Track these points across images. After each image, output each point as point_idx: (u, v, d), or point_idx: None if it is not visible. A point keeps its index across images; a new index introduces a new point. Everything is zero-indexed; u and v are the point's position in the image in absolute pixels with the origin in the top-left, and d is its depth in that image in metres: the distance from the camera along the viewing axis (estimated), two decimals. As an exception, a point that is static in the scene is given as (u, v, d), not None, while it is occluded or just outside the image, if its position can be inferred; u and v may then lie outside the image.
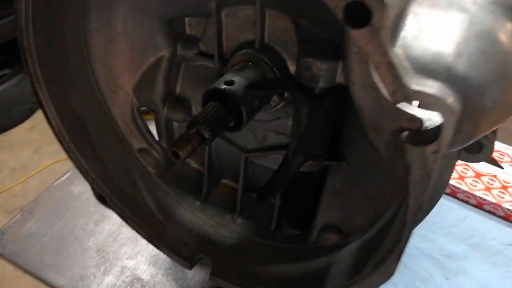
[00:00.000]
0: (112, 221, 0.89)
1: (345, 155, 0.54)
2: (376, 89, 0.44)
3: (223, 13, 0.56)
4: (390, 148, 0.47)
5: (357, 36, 0.28)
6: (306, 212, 0.62)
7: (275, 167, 0.65)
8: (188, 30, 0.62)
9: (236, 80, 0.52)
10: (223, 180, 0.74)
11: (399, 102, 0.30)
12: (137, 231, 0.66)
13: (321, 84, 0.46)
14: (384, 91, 0.43)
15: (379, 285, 0.44)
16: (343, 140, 0.54)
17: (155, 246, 0.66)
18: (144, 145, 0.69)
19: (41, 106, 0.58)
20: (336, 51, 0.46)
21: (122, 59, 0.62)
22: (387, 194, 0.50)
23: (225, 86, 0.51)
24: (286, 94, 0.55)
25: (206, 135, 0.47)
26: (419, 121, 0.44)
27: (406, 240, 0.38)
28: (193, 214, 0.70)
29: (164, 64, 0.63)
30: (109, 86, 0.65)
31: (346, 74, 0.45)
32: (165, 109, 0.65)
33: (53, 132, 0.60)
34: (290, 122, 0.60)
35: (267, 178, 0.67)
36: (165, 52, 0.62)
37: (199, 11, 0.57)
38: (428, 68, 0.29)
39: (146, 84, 0.64)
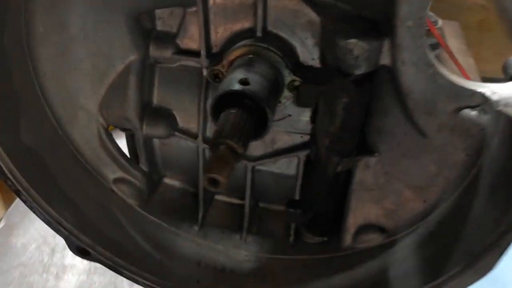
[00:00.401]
0: (78, 269, 0.74)
1: (377, 146, 0.48)
2: (431, 66, 0.38)
3: (210, 0, 0.46)
4: (444, 131, 0.42)
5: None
6: (331, 215, 0.55)
7: (284, 171, 0.58)
8: (159, 26, 0.50)
9: (250, 78, 0.43)
10: (217, 197, 0.63)
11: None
12: (137, 282, 0.53)
13: (364, 68, 0.39)
14: (446, 71, 0.38)
15: (471, 284, 0.39)
16: (372, 130, 0.48)
17: (164, 292, 0.54)
18: (120, 174, 0.56)
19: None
20: (375, 29, 0.39)
21: (81, 70, 0.49)
22: (441, 181, 0.45)
23: (242, 87, 0.41)
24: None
25: (239, 150, 0.38)
26: (481, 96, 0.39)
27: (518, 232, 0.34)
28: (194, 243, 0.59)
29: (135, 71, 0.50)
30: (65, 108, 0.51)
31: (394, 53, 0.38)
32: (144, 126, 0.53)
33: (5, 180, 0.45)
34: (303, 118, 0.52)
35: (275, 185, 0.59)
36: (135, 56, 0.50)
37: (179, 0, 0.46)
38: None
39: (116, 99, 0.51)
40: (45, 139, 0.49)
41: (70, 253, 0.73)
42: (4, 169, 0.44)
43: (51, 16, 0.43)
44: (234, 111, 0.41)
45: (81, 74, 0.49)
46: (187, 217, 0.60)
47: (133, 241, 0.55)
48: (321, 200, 0.50)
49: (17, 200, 0.80)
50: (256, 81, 0.43)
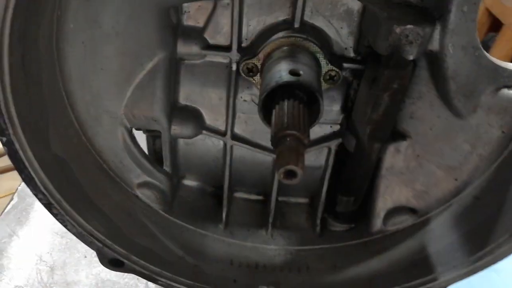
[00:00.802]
0: (83, 285, 0.68)
1: (408, 131, 0.50)
2: (478, 48, 0.41)
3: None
4: (481, 111, 0.45)
5: None
6: (357, 201, 0.56)
7: (311, 163, 0.58)
8: (185, 20, 0.48)
9: (300, 69, 0.43)
10: (236, 194, 0.62)
11: None
12: (173, 288, 0.51)
13: (415, 54, 0.41)
14: (484, 52, 0.41)
15: (517, 251, 0.42)
16: (403, 115, 0.50)
17: (203, 296, 0.52)
18: (144, 178, 0.53)
19: (15, 160, 0.38)
20: (427, 15, 0.40)
21: (108, 71, 0.45)
22: (474, 159, 0.48)
23: (296, 78, 0.41)
24: (337, 76, 0.48)
25: (306, 140, 0.38)
26: (519, 75, 0.42)
27: None
28: (223, 243, 0.57)
29: (163, 69, 0.48)
30: (89, 112, 0.47)
31: (445, 38, 0.40)
32: (172, 126, 0.51)
33: (36, 193, 0.41)
34: (334, 108, 0.53)
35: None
36: (164, 53, 0.47)
37: (213, -9, 0.45)
38: None
39: (143, 99, 0.48)
40: (71, 147, 0.45)
41: (73, 269, 0.69)
42: (37, 181, 0.40)
43: (84, 11, 0.40)
44: (289, 102, 0.40)
45: (108, 75, 0.45)
46: (211, 217, 0.59)
47: (164, 246, 0.52)
48: (362, 186, 0.51)
49: (2, 218, 0.73)
50: (305, 71, 0.43)
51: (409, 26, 0.39)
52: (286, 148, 0.37)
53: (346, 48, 0.48)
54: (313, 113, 0.43)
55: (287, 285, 0.54)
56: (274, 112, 0.41)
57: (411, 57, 0.40)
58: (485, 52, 0.41)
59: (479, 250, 0.44)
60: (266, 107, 0.43)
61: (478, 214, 0.47)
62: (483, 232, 0.45)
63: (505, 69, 0.42)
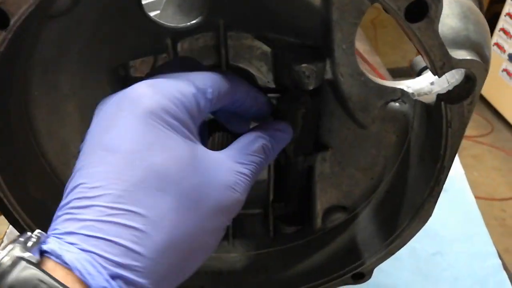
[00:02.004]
0: None
1: (329, 143, 0.60)
2: (363, 74, 0.52)
3: (179, 46, 0.55)
4: (377, 121, 0.56)
5: (415, 28, 0.34)
6: (302, 206, 0.66)
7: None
8: (132, 73, 0.58)
9: None
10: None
11: (445, 73, 0.37)
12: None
13: (314, 84, 0.51)
14: (372, 76, 0.51)
15: (419, 230, 0.52)
16: (323, 130, 0.60)
17: (173, 304, 0.60)
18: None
19: (1, 206, 0.47)
20: (319, 53, 0.51)
21: (72, 124, 0.55)
22: (381, 160, 0.58)
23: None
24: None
25: None
26: (400, 91, 0.53)
27: (443, 183, 0.47)
28: (189, 257, 0.66)
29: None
30: (59, 159, 0.56)
31: (335, 69, 0.51)
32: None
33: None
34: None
35: (250, 191, 0.69)
36: (116, 102, 0.57)
37: (152, 50, 0.55)
38: (456, 41, 0.37)
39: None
40: (48, 190, 0.54)
41: None
42: (22, 223, 0.49)
43: (45, 80, 0.49)
44: (218, 134, 0.50)
45: (72, 127, 0.54)
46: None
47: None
48: (295, 193, 0.61)
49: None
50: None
51: (304, 65, 0.49)
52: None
53: (268, 82, 0.58)
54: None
55: (247, 286, 0.63)
56: (208, 142, 0.51)
57: (311, 87, 0.51)
58: (370, 76, 0.52)
59: (391, 235, 0.54)
60: (207, 134, 0.52)
61: (389, 205, 0.57)
62: (393, 220, 0.55)
63: (388, 87, 0.52)
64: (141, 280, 0.29)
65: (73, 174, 0.34)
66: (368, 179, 0.60)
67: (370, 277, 0.58)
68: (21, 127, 0.50)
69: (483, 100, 3.26)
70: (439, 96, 0.43)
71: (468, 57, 0.36)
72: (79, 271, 0.27)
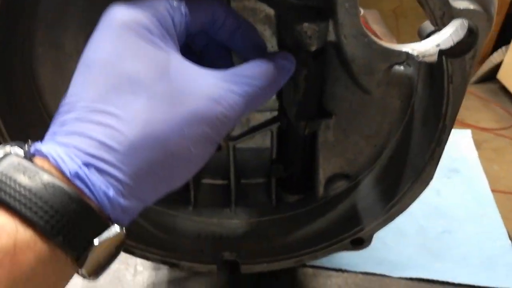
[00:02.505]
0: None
1: (333, 109, 0.60)
2: (366, 36, 0.51)
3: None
4: (381, 85, 0.55)
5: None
6: (304, 175, 0.66)
7: (260, 145, 0.68)
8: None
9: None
10: (203, 180, 0.72)
11: (445, 24, 0.36)
12: (147, 258, 0.60)
13: (316, 45, 0.50)
14: (373, 37, 0.50)
15: (420, 194, 0.51)
16: (327, 96, 0.59)
17: (173, 265, 0.61)
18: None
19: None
20: (321, 13, 0.50)
21: (76, 81, 0.55)
22: (386, 126, 0.57)
23: None
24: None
25: None
26: (404, 53, 0.52)
27: (445, 144, 0.46)
28: (192, 221, 0.67)
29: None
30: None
31: (338, 30, 0.50)
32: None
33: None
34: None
35: (254, 159, 0.69)
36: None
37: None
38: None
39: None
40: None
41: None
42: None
43: (48, 37, 0.50)
44: None
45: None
46: (182, 200, 0.68)
47: (138, 226, 0.62)
48: (297, 159, 0.61)
49: None
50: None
51: (305, 24, 0.49)
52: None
53: (272, 46, 0.58)
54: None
55: (247, 250, 0.63)
56: None
57: (313, 49, 0.50)
58: (374, 38, 0.51)
59: (391, 201, 0.53)
60: None
61: (391, 171, 0.56)
62: (394, 186, 0.54)
63: (393, 50, 0.51)
64: (114, 171, 0.31)
65: None
66: (372, 147, 0.59)
67: (369, 243, 0.58)
68: (26, 84, 0.52)
69: (505, 91, 3.17)
70: (441, 52, 0.41)
71: (471, 7, 0.35)
72: (54, 159, 0.31)
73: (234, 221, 0.67)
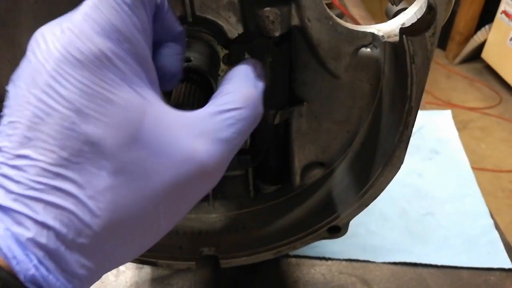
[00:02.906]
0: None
1: (304, 96, 0.58)
2: (330, 18, 0.49)
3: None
4: (350, 69, 0.54)
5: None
6: (281, 164, 0.65)
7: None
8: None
9: (192, 56, 0.51)
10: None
11: (401, 1, 0.35)
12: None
13: (280, 30, 0.49)
14: (337, 19, 0.49)
15: (391, 179, 0.50)
16: (297, 84, 0.58)
17: (151, 263, 0.60)
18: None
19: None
20: (282, -3, 0.49)
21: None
22: (356, 111, 0.56)
23: (186, 64, 0.50)
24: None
25: None
26: (370, 35, 0.51)
27: (412, 126, 0.45)
28: (169, 218, 0.66)
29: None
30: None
31: (301, 13, 0.49)
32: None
33: None
34: (240, 86, 0.61)
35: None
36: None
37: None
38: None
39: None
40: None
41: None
42: None
43: (3, 34, 0.48)
44: (183, 84, 0.49)
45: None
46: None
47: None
48: (270, 149, 0.60)
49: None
50: (197, 58, 0.51)
51: (267, 8, 0.47)
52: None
53: (238, 33, 0.56)
54: (209, 90, 0.51)
55: (226, 244, 0.63)
56: (173, 92, 0.50)
57: (277, 34, 0.49)
58: (339, 20, 0.50)
59: (364, 187, 0.53)
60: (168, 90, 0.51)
61: (364, 157, 0.56)
62: (366, 172, 0.53)
63: (358, 32, 0.50)
64: (77, 269, 0.27)
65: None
66: (345, 132, 0.59)
67: (346, 231, 0.57)
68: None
69: (490, 70, 3.19)
70: (402, 30, 0.40)
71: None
72: (5, 255, 0.25)
73: (213, 216, 0.66)
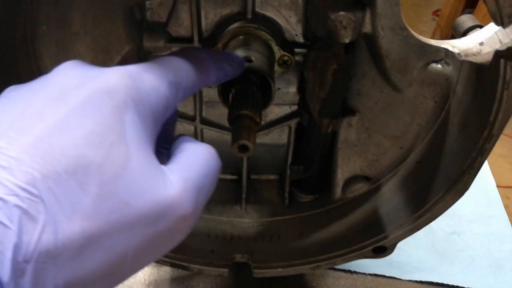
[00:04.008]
0: None
1: (357, 106, 0.56)
2: (405, 29, 0.46)
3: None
4: (415, 84, 0.51)
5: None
6: (320, 174, 0.62)
7: (276, 141, 0.64)
8: (149, 17, 0.53)
9: (252, 56, 0.48)
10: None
11: (512, 23, 0.32)
12: (157, 261, 0.56)
13: (351, 36, 0.46)
14: (412, 31, 0.46)
15: (452, 205, 0.48)
16: (352, 93, 0.55)
17: (182, 267, 0.58)
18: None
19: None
20: (358, 2, 0.46)
21: (82, 65, 0.50)
22: (414, 128, 0.53)
23: (248, 64, 0.46)
24: (290, 60, 0.53)
25: (258, 119, 0.43)
26: (444, 50, 0.48)
27: (488, 154, 0.43)
28: (201, 219, 0.63)
29: (130, 61, 0.53)
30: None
31: (375, 21, 0.46)
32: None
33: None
34: (290, 90, 0.58)
35: (268, 156, 0.65)
36: (130, 46, 0.52)
37: (171, -10, 0.49)
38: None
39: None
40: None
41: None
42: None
43: (54, 14, 0.45)
44: (242, 85, 0.46)
45: (82, 69, 0.50)
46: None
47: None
48: (317, 157, 0.57)
49: None
50: (257, 58, 0.48)
51: (341, 13, 0.44)
52: (240, 126, 0.42)
53: (296, 35, 0.53)
54: (267, 94, 0.48)
55: (260, 252, 0.60)
56: (230, 95, 0.46)
57: (347, 40, 0.46)
58: (412, 32, 0.47)
59: (419, 209, 0.50)
60: (225, 91, 0.48)
61: (419, 177, 0.53)
62: (423, 193, 0.51)
63: (431, 46, 0.47)
64: None
65: None
66: (397, 148, 0.56)
67: (392, 251, 0.55)
68: (27, 64, 0.46)
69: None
70: (498, 53, 0.38)
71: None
72: None
73: (245, 220, 0.64)
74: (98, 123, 0.28)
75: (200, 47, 0.52)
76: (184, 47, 0.43)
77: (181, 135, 0.37)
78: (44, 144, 0.26)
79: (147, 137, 0.30)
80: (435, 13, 2.53)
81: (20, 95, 0.30)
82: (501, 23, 0.33)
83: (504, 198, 2.72)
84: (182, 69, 0.35)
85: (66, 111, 0.27)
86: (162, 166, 0.31)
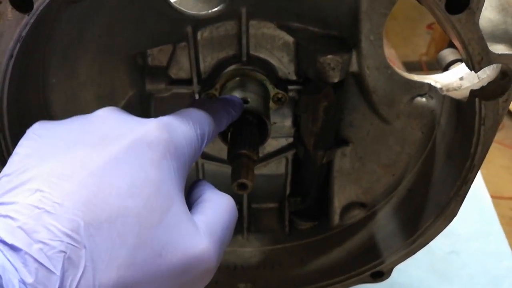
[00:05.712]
0: None
1: (350, 137, 0.59)
2: (389, 67, 0.50)
3: (199, 35, 0.53)
4: (402, 116, 0.54)
5: (455, 20, 0.32)
6: (318, 202, 0.65)
7: (274, 172, 0.67)
8: (150, 62, 0.56)
9: (248, 97, 0.51)
10: (213, 205, 0.70)
11: (482, 68, 0.35)
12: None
13: (339, 76, 0.49)
14: (399, 70, 0.50)
15: (442, 230, 0.51)
16: (344, 124, 0.58)
17: (187, 298, 0.60)
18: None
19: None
20: (344, 44, 0.49)
21: (89, 111, 0.53)
22: (404, 157, 0.56)
23: (245, 105, 0.50)
24: (284, 97, 0.56)
25: (255, 157, 0.46)
26: (427, 85, 0.51)
27: (472, 182, 0.45)
28: (204, 250, 0.65)
29: (134, 105, 0.56)
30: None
31: (361, 61, 0.49)
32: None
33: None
34: (286, 124, 0.61)
35: (266, 185, 0.68)
36: (133, 91, 0.55)
37: (172, 38, 0.53)
38: (494, 35, 0.35)
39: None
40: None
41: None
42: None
43: (63, 67, 0.48)
44: (241, 126, 0.49)
45: (89, 115, 0.53)
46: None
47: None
48: (313, 188, 0.59)
49: None
50: (253, 98, 0.51)
51: (329, 56, 0.47)
52: (238, 165, 0.45)
53: (289, 73, 0.56)
54: (263, 131, 0.51)
55: (263, 281, 0.62)
56: (229, 134, 0.50)
57: (335, 80, 0.49)
58: (397, 69, 0.50)
59: (413, 234, 0.53)
60: (224, 130, 0.51)
61: (412, 203, 0.56)
62: (415, 219, 0.53)
63: (415, 82, 0.51)
64: None
65: (19, 157, 0.29)
66: (390, 176, 0.59)
67: (389, 276, 0.57)
68: (39, 111, 0.49)
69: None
70: (473, 92, 0.41)
71: (507, 52, 0.35)
72: None
73: (248, 249, 0.66)
74: (138, 174, 0.29)
75: (200, 88, 0.56)
76: (198, 99, 0.46)
77: (199, 180, 0.40)
78: (87, 191, 0.27)
79: (179, 187, 0.32)
80: (430, 26, 2.58)
81: (57, 137, 0.31)
82: (473, 68, 0.36)
83: (507, 209, 2.73)
84: (205, 121, 0.38)
85: (107, 159, 0.29)
86: (192, 217, 0.32)
